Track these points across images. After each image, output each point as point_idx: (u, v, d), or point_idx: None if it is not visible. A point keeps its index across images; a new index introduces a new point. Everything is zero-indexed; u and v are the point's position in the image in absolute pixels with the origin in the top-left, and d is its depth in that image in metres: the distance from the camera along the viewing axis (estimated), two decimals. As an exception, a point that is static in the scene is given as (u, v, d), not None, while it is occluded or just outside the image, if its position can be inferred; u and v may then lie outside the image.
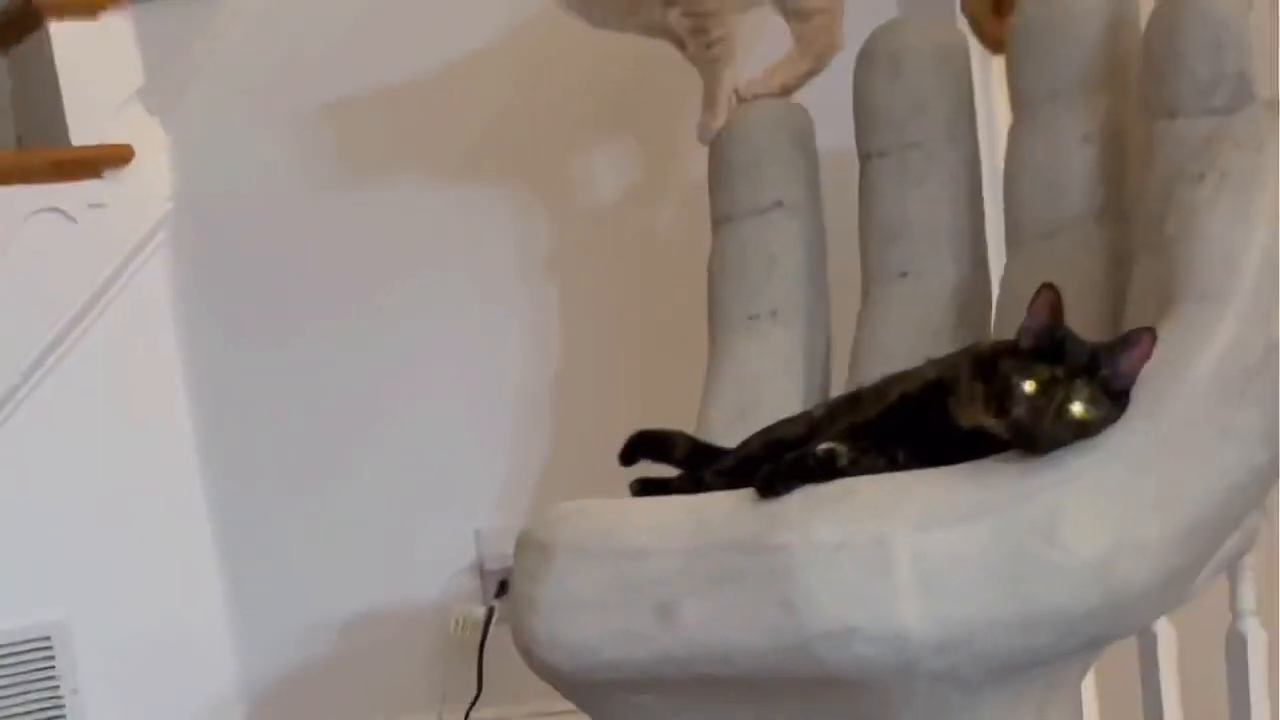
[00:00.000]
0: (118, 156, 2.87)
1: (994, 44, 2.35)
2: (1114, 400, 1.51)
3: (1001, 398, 1.50)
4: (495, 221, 2.79)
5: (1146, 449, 1.53)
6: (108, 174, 2.88)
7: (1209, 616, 1.85)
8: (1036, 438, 1.50)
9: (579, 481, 1.94)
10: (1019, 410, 1.49)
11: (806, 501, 1.55)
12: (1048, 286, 1.52)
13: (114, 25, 2.88)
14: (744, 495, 1.62)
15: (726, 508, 1.62)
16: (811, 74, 2.18)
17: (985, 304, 2.09)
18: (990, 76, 2.35)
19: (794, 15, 2.17)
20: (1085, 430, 1.50)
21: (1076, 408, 1.49)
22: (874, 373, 1.99)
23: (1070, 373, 1.49)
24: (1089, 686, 2.08)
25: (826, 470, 1.57)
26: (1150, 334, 1.50)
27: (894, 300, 2.11)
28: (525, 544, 1.74)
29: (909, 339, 2.06)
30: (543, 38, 2.69)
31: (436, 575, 2.88)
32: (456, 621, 2.86)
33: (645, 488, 1.80)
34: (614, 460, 1.85)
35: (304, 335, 2.92)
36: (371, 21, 2.80)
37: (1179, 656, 1.93)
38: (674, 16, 2.19)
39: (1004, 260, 2.06)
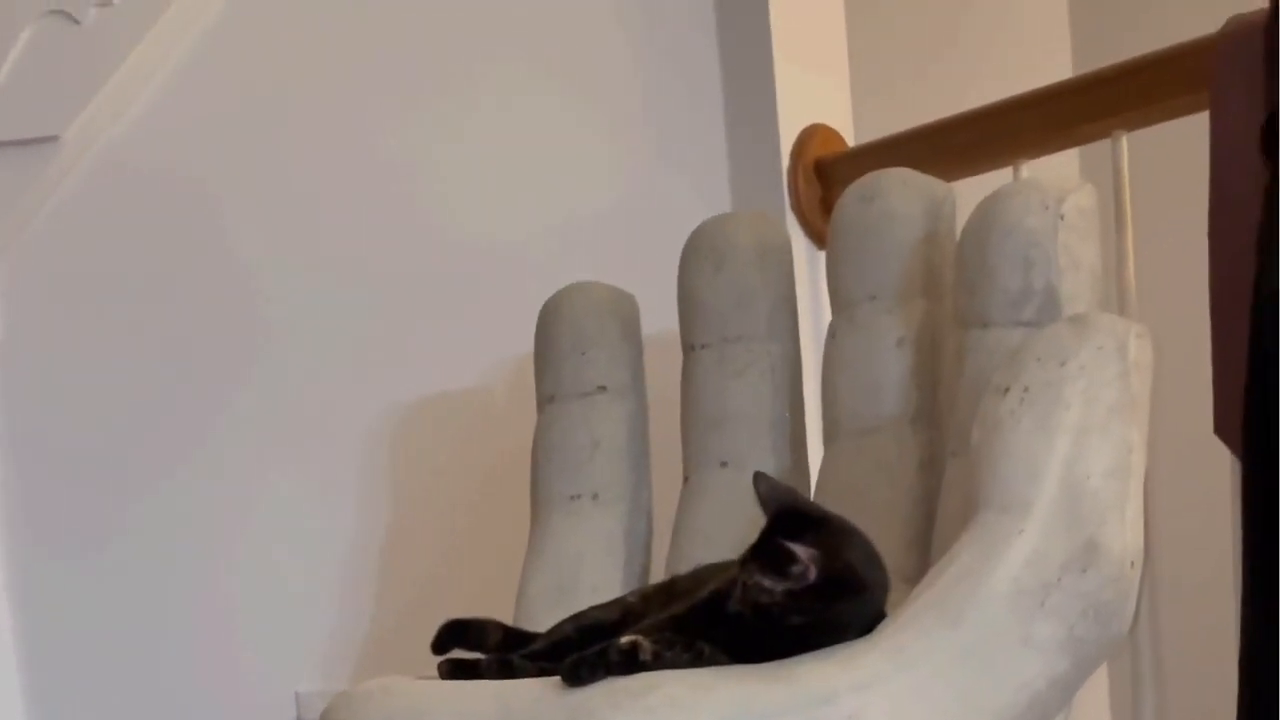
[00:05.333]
0: (-57, 300, 2.82)
1: (822, 239, 2.41)
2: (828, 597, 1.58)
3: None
4: (327, 384, 2.78)
5: (948, 656, 1.56)
6: (-68, 316, 2.83)
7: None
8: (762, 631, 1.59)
9: (402, 646, 1.93)
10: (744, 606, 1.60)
11: (610, 695, 1.54)
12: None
13: (-53, 168, 2.84)
14: (549, 683, 1.60)
15: (531, 696, 1.61)
16: None
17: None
18: (819, 270, 2.40)
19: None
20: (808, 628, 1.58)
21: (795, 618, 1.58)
22: (694, 557, 2.03)
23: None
24: None
25: (628, 664, 1.57)
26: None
27: (714, 488, 2.12)
28: (327, 724, 1.72)
29: (729, 526, 2.08)
30: (370, 196, 2.72)
31: (256, 737, 2.82)
32: (275, 786, 2.80)
33: (455, 669, 1.78)
34: (436, 628, 1.84)
35: (129, 487, 2.85)
36: (215, 174, 2.81)
37: None
38: None
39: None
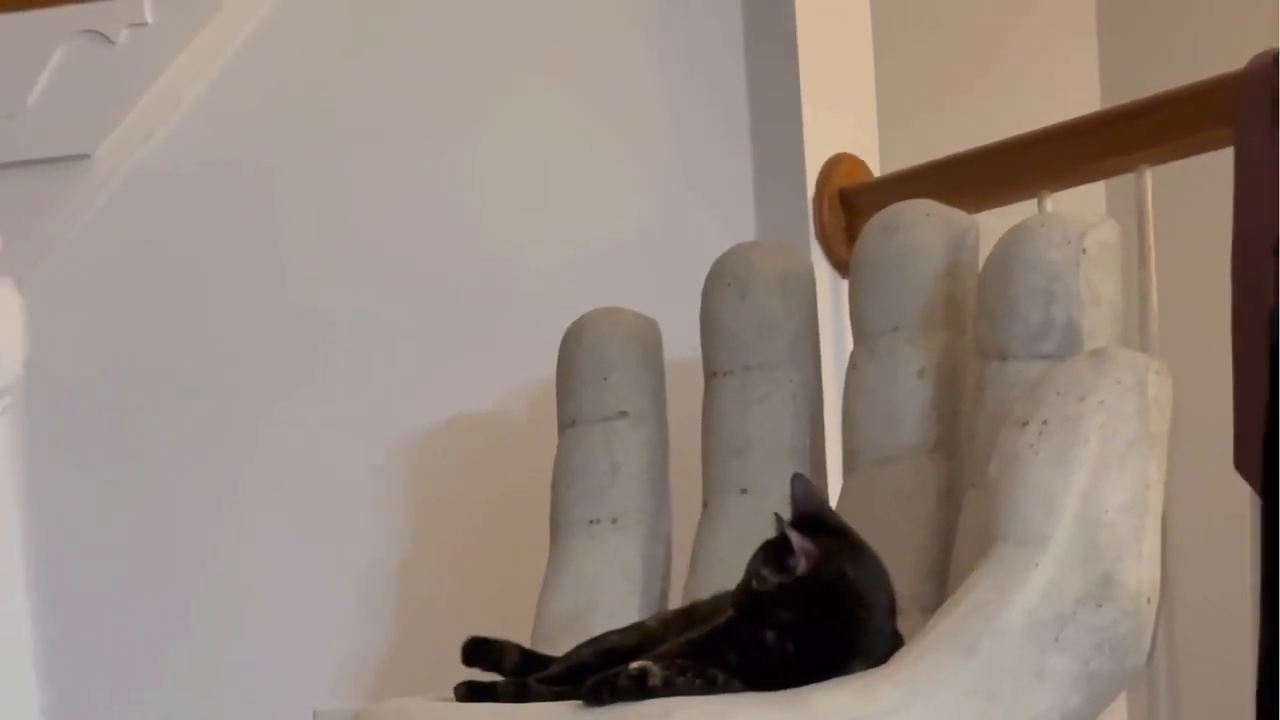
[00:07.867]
0: (-32, 321, 2.84)
1: (845, 268, 2.41)
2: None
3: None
4: (350, 406, 2.80)
5: (962, 688, 1.56)
6: (-43, 337, 2.85)
7: None
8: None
9: (420, 666, 1.94)
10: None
11: (624, 721, 1.56)
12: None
13: (-28, 187, 2.87)
14: (565, 708, 1.62)
15: (545, 720, 1.62)
16: None
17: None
18: (841, 298, 2.41)
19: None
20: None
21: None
22: (712, 583, 2.03)
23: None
24: None
25: (638, 689, 1.58)
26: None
27: (733, 514, 2.13)
28: (342, 744, 1.73)
29: (747, 552, 2.04)
30: (397, 223, 2.74)
31: (273, 755, 2.83)
32: (292, 804, 2.80)
33: (471, 692, 1.79)
34: (454, 649, 1.85)
35: (150, 507, 2.88)
36: (244, 195, 2.83)
37: None
38: None
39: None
